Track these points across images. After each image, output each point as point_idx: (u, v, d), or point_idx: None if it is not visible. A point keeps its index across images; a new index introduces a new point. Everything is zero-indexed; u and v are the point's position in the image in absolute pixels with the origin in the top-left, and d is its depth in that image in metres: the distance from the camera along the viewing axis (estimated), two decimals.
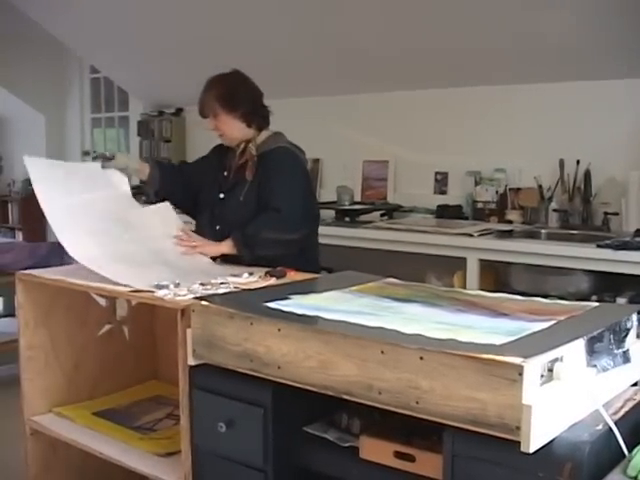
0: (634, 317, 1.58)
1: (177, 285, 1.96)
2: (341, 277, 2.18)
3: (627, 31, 3.25)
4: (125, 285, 2.00)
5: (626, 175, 3.45)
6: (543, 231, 3.56)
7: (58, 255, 3.31)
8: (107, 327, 2.44)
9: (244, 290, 1.97)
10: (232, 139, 2.59)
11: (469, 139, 4.06)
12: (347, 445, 1.62)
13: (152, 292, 1.94)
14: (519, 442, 1.22)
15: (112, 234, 2.28)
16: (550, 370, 1.30)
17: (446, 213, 4.01)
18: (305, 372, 1.51)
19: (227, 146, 2.64)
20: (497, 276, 3.41)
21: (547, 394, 1.26)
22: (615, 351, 1.49)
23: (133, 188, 2.54)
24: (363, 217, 4.07)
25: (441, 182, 4.24)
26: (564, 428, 1.30)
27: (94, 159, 2.63)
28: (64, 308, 2.37)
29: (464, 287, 3.26)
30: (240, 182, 2.55)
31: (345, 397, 1.47)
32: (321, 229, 2.72)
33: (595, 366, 1.42)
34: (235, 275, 2.14)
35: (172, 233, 2.42)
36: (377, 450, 1.54)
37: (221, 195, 2.60)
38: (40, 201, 2.20)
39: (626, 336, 1.54)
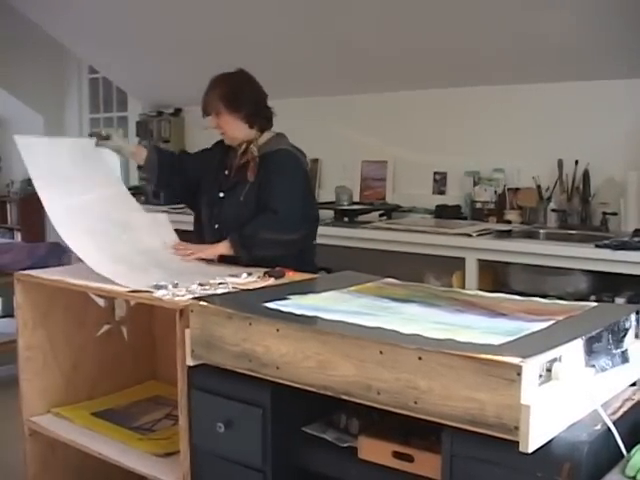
0: (632, 317, 1.58)
1: (176, 285, 1.96)
2: (340, 277, 2.18)
3: (627, 31, 3.24)
4: (124, 285, 2.00)
5: (625, 175, 3.44)
6: (542, 231, 3.55)
7: (56, 255, 3.32)
8: (106, 327, 2.43)
9: (243, 290, 1.97)
10: (233, 138, 2.58)
11: (468, 139, 4.05)
12: (346, 445, 1.62)
13: (151, 292, 1.94)
14: (518, 442, 1.22)
15: (111, 234, 2.28)
16: (549, 370, 1.31)
17: (445, 213, 4.00)
18: (304, 372, 1.51)
19: (228, 145, 2.63)
20: (496, 276, 3.41)
21: (546, 394, 1.26)
22: (614, 351, 1.50)
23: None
24: (362, 217, 4.06)
25: (440, 182, 4.23)
26: (563, 428, 1.30)
27: (90, 136, 2.59)
28: (63, 308, 2.37)
29: (463, 287, 3.25)
30: (241, 182, 2.54)
31: (344, 397, 1.47)
32: (320, 229, 2.72)
33: (594, 366, 1.42)
34: (234, 275, 2.14)
35: (169, 243, 2.45)
36: (376, 450, 1.54)
37: (221, 194, 2.59)
38: (40, 196, 2.21)
39: (624, 336, 1.54)
